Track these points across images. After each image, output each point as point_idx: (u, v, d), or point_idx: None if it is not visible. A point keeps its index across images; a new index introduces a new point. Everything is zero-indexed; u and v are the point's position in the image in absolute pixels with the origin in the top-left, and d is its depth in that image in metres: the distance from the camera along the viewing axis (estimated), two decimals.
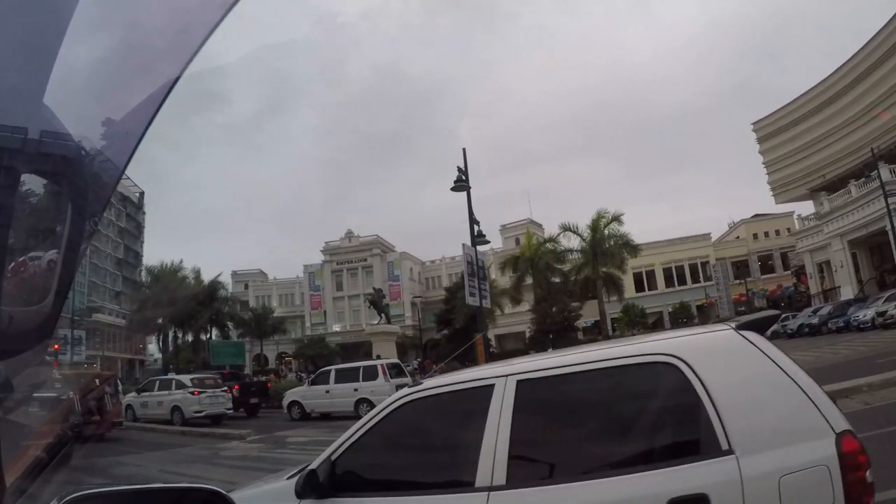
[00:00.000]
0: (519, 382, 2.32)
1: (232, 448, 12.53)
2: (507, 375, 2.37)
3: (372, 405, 16.56)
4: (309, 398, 18.35)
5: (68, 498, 1.09)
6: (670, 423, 2.16)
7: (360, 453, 2.66)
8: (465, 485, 2.25)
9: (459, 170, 20.77)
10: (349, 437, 2.72)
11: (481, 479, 2.20)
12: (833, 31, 74.79)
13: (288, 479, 3.07)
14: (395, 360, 20.60)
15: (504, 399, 2.30)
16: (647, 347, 2.32)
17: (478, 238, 20.98)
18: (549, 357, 2.55)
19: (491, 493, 2.16)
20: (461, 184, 20.78)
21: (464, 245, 19.29)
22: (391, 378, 17.34)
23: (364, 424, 2.73)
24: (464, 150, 21.29)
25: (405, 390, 2.75)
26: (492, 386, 2.37)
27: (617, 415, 2.28)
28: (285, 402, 18.89)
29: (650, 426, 2.18)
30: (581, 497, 2.03)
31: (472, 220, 20.99)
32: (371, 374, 17.52)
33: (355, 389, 17.32)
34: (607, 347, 2.42)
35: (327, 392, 17.94)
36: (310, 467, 2.77)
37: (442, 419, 2.68)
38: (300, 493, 2.66)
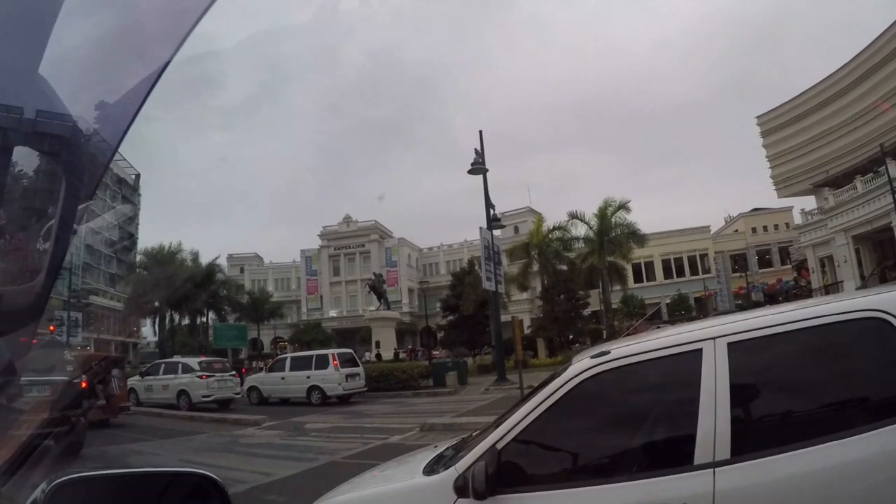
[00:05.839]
0: (730, 345, 2.16)
1: (249, 435, 12.02)
2: (714, 338, 2.19)
3: (322, 393, 17.37)
4: (266, 384, 18.89)
5: (57, 482, 1.07)
6: (889, 378, 2.07)
7: (534, 439, 2.34)
8: (680, 463, 2.06)
9: (476, 152, 20.23)
10: (519, 422, 2.35)
11: (701, 454, 2.03)
12: (831, 28, 74.75)
13: (426, 474, 2.60)
14: (349, 350, 20.87)
15: (717, 363, 2.14)
16: (853, 304, 2.19)
17: (494, 221, 20.50)
18: (749, 317, 2.37)
19: (716, 469, 1.98)
20: (478, 166, 20.23)
21: (481, 228, 18.79)
22: (342, 368, 17.81)
23: (538, 405, 2.35)
24: (480, 132, 20.67)
25: (587, 361, 2.36)
26: (699, 350, 2.19)
27: (833, 373, 2.16)
28: (244, 388, 19.24)
29: (870, 383, 2.11)
30: (821, 461, 1.91)
31: (489, 204, 20.49)
32: (323, 362, 17.98)
33: (308, 377, 17.77)
34: (806, 307, 2.35)
35: (283, 379, 18.41)
36: (471, 461, 2.31)
37: (640, 392, 2.38)
38: (465, 491, 2.22)
